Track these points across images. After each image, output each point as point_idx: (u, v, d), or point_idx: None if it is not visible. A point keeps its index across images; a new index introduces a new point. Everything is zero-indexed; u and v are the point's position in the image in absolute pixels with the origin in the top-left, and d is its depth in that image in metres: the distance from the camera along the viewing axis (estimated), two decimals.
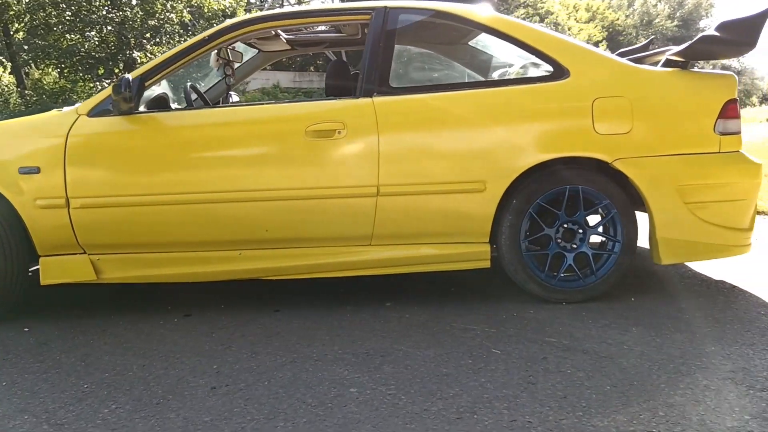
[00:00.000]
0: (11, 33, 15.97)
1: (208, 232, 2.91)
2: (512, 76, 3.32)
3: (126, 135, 2.87)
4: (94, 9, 16.18)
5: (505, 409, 1.96)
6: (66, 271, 2.93)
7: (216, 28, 2.99)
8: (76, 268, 2.92)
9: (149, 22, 17.24)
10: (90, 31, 16.31)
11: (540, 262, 2.96)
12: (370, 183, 2.84)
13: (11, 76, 17.02)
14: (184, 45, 2.97)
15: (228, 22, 3.03)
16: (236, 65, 4.00)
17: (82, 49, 16.11)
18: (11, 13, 15.75)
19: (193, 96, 3.47)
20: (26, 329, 2.86)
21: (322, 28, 3.93)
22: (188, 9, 18.78)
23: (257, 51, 4.05)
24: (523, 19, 34.24)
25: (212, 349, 2.56)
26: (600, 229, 2.99)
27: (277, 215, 2.89)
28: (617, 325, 2.66)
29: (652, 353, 2.35)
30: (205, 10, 19.12)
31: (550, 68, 2.92)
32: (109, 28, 16.75)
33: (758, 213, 5.02)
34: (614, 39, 36.25)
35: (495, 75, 3.56)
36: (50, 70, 17.19)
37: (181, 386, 2.23)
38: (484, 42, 3.49)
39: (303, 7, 3.31)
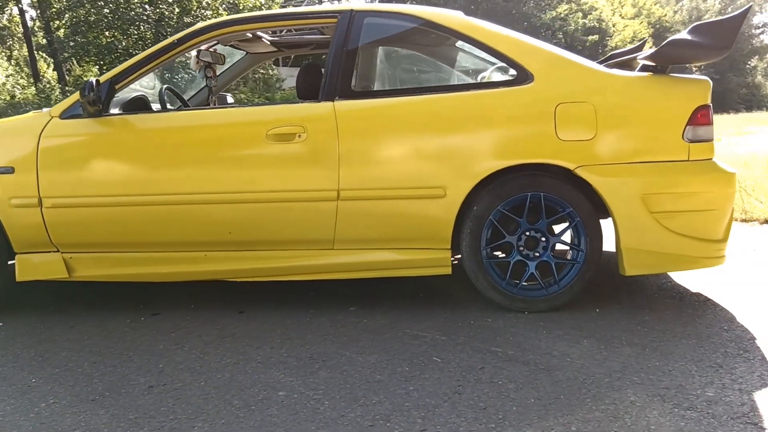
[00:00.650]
0: (53, 30, 16.50)
1: (173, 233, 2.99)
2: (478, 81, 3.29)
3: (94, 137, 2.96)
4: (132, 6, 16.59)
5: (420, 419, 1.97)
6: (40, 268, 3.05)
7: (186, 31, 3.05)
8: (50, 265, 3.03)
9: (185, 19, 17.59)
10: (128, 29, 16.75)
11: (502, 269, 2.94)
12: (331, 187, 2.87)
13: (54, 72, 17.59)
14: (154, 48, 3.04)
15: (198, 25, 3.09)
16: (225, 67, 4.07)
17: (120, 46, 16.53)
18: (53, 10, 16.27)
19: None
20: (1, 323, 2.98)
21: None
22: (224, 6, 19.10)
23: (245, 53, 4.11)
24: (566, 15, 33.75)
25: (165, 348, 2.63)
26: (563, 237, 2.95)
27: (239, 217, 2.95)
28: (570, 336, 2.63)
29: (593, 367, 2.32)
30: (241, 7, 19.44)
31: (515, 72, 2.89)
32: (147, 25, 17.16)
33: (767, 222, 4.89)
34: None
35: (462, 79, 3.54)
36: (91, 66, 17.71)
37: (121, 383, 2.30)
38: (453, 46, 3.46)
39: (272, 11, 3.35)
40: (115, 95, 3.02)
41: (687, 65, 3.10)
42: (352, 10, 3.03)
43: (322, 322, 2.87)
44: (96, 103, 2.83)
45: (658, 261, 2.89)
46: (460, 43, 3.25)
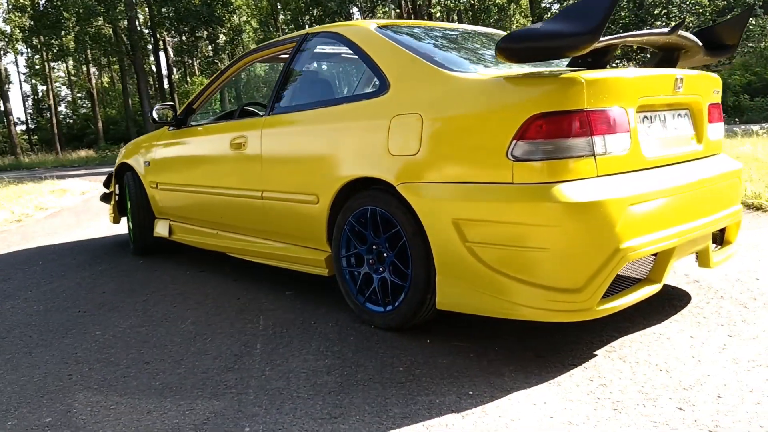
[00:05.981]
0: None
1: (201, 214, 4.02)
2: (352, 94, 3.16)
3: (170, 142, 4.23)
4: None
5: (70, 380, 2.58)
6: (159, 229, 4.50)
7: (229, 64, 3.98)
8: (163, 227, 4.46)
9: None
10: None
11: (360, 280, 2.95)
12: (259, 188, 3.41)
13: None
14: (211, 78, 4.07)
15: (236, 58, 3.96)
16: None
17: None
18: None
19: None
20: (141, 260, 4.57)
21: None
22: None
23: None
24: None
25: (151, 292, 3.71)
26: (395, 256, 2.75)
27: (222, 207, 3.77)
28: (327, 357, 2.55)
29: (251, 379, 2.38)
30: None
31: (378, 82, 2.84)
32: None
33: None
34: None
35: (350, 92, 3.35)
36: None
37: (66, 306, 3.52)
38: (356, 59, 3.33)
39: (270, 41, 3.53)
40: (194, 112, 4.19)
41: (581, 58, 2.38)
42: (307, 33, 3.42)
43: (244, 299, 3.47)
44: (154, 121, 4.09)
45: (475, 301, 2.42)
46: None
